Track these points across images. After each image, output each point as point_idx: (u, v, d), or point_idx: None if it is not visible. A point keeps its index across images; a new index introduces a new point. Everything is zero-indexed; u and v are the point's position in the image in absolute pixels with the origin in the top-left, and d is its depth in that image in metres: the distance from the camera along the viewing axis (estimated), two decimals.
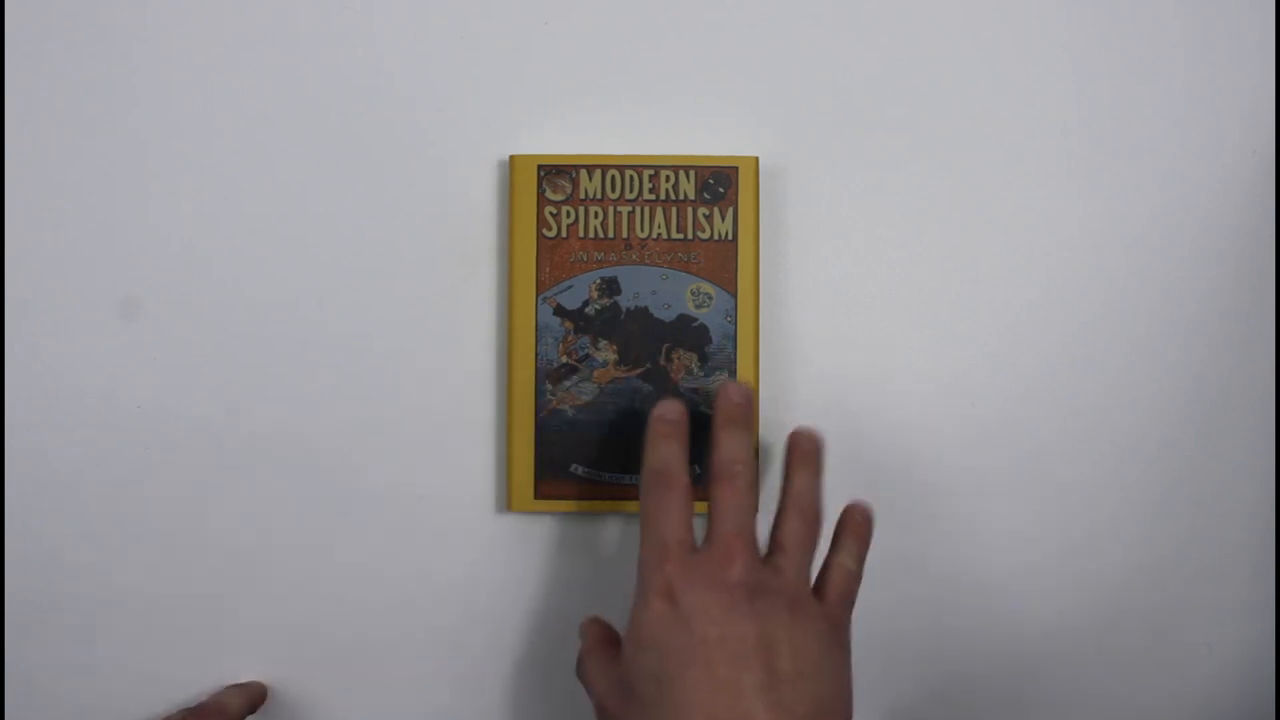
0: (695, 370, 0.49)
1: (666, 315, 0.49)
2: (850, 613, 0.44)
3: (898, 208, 0.50)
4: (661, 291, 0.49)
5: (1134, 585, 0.50)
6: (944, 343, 0.50)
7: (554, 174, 0.49)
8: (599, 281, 0.49)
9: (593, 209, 0.49)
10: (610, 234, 0.49)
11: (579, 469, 0.49)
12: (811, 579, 0.44)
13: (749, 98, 0.50)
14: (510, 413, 0.49)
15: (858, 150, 0.50)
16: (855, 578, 0.45)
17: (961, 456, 0.50)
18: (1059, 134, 0.50)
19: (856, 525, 0.46)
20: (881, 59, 0.50)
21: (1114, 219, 0.50)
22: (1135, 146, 0.50)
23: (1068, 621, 0.51)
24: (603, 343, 0.49)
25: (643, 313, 0.49)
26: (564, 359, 0.49)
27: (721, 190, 0.49)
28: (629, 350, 0.49)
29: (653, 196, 0.49)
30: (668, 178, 0.49)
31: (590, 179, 0.49)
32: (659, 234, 0.49)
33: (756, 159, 0.49)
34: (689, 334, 0.49)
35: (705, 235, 0.49)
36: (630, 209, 0.49)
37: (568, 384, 0.49)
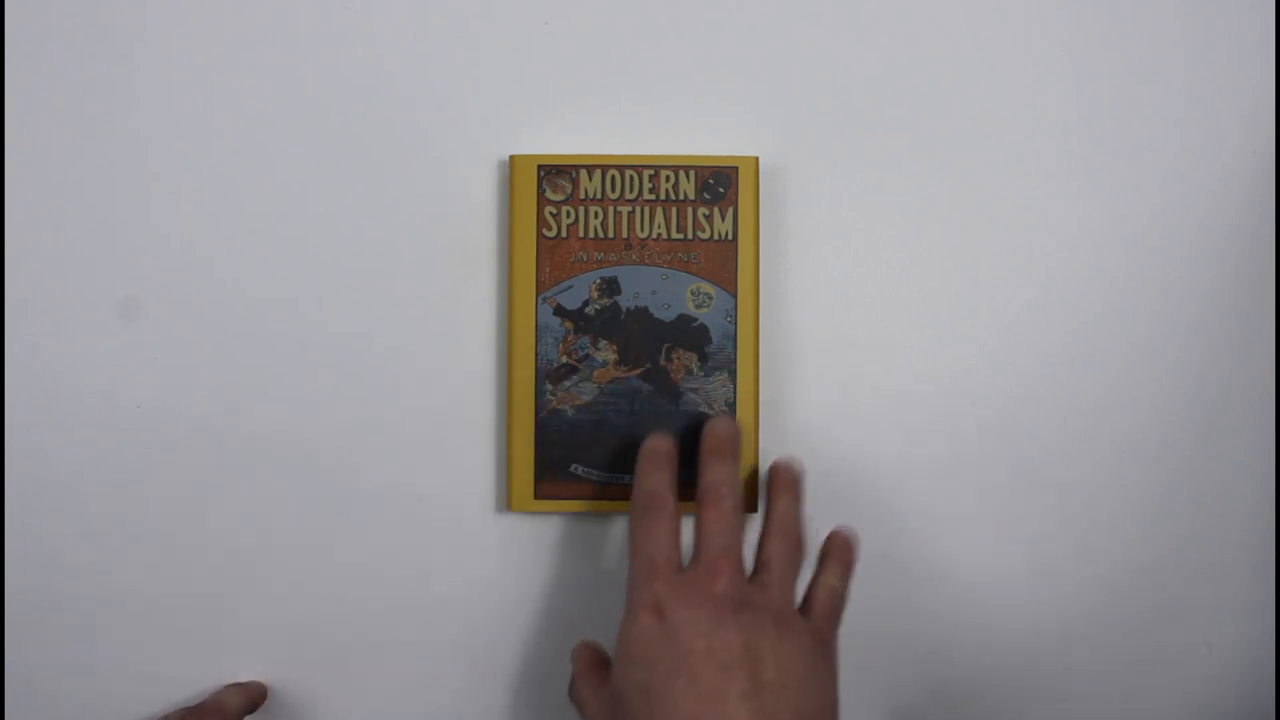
0: (695, 370, 0.49)
1: (666, 315, 0.49)
2: (836, 630, 0.45)
3: (898, 208, 0.50)
4: (661, 291, 0.49)
5: (1134, 585, 0.50)
6: (944, 343, 0.50)
7: (554, 174, 0.49)
8: (599, 281, 0.49)
9: (593, 209, 0.49)
10: (610, 234, 0.49)
11: (579, 469, 0.49)
12: (797, 599, 0.44)
13: (749, 98, 0.50)
14: (510, 413, 0.49)
15: (858, 150, 0.50)
16: (840, 596, 0.46)
17: (962, 456, 0.50)
18: (1059, 134, 0.50)
19: (839, 549, 0.47)
20: (881, 59, 0.50)
21: (1114, 219, 0.50)
22: (1135, 146, 0.50)
23: (1068, 621, 0.51)
24: (603, 343, 0.49)
25: (643, 313, 0.49)
26: (564, 359, 0.49)
27: (721, 190, 0.49)
28: (629, 350, 0.49)
29: (653, 196, 0.49)
30: (668, 178, 0.49)
31: (590, 179, 0.49)
32: (659, 234, 0.49)
33: (756, 159, 0.49)
34: (689, 334, 0.49)
35: (705, 235, 0.49)
36: (630, 209, 0.49)
37: (568, 384, 0.49)
